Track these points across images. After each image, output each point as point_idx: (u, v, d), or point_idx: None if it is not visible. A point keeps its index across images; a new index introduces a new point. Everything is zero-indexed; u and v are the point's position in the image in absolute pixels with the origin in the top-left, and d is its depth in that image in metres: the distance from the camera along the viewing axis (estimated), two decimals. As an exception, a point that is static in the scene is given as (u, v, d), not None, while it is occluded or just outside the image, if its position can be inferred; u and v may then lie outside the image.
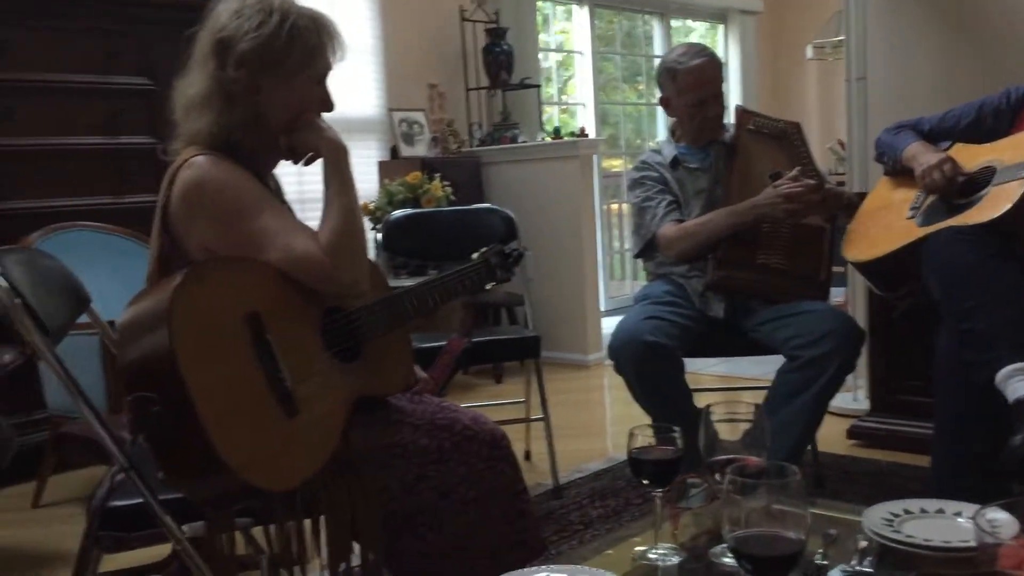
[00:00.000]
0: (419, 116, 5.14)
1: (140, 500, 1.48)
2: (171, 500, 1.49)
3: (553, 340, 4.33)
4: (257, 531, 1.81)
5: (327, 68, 1.68)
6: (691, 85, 2.72)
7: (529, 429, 3.15)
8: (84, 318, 1.88)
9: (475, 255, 1.82)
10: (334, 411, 1.53)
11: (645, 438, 1.32)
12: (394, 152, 5.00)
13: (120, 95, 3.60)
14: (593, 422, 3.93)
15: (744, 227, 2.60)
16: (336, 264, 1.53)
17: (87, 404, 1.49)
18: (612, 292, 6.46)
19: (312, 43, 1.63)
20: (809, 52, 6.46)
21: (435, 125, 5.18)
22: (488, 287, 1.86)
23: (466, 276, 1.77)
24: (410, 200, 4.35)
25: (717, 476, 1.26)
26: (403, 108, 5.07)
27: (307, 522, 1.64)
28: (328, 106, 1.69)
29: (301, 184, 4.08)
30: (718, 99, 2.77)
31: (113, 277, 2.83)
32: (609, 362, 4.68)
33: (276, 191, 1.75)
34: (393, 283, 1.98)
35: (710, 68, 2.75)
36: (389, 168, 4.82)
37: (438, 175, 4.53)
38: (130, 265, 3.21)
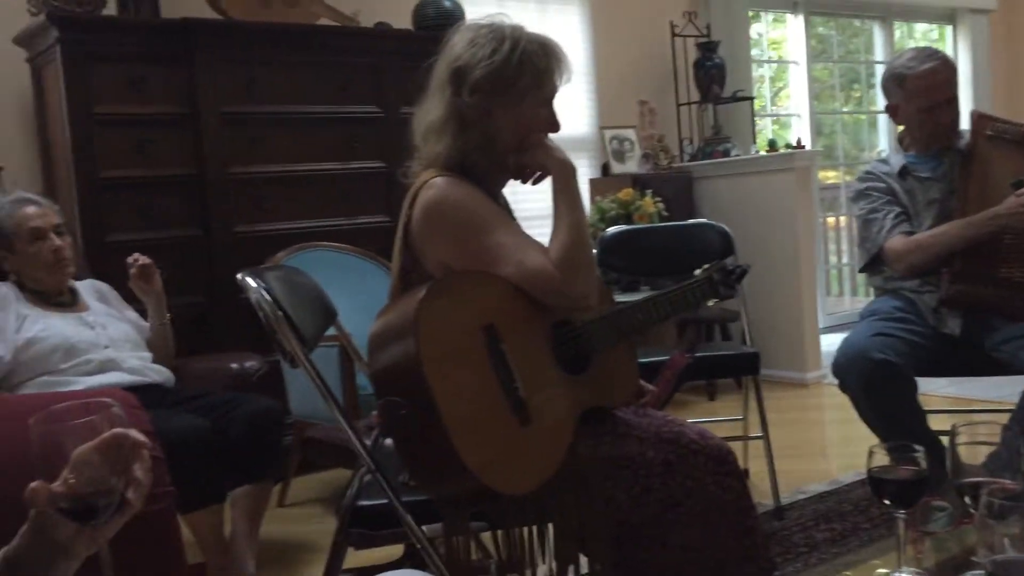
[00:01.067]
0: (629, 133, 5.17)
1: (385, 501, 1.59)
2: (412, 502, 1.59)
3: (769, 357, 4.21)
4: (486, 537, 1.90)
5: (554, 90, 1.74)
6: (921, 90, 2.58)
7: (747, 447, 3.09)
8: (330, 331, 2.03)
9: (698, 271, 1.83)
10: (563, 422, 1.58)
11: (885, 457, 1.28)
12: (605, 169, 5.06)
13: (353, 123, 3.86)
14: (813, 442, 3.80)
15: (983, 239, 2.45)
16: (567, 278, 1.58)
17: (339, 410, 1.61)
18: (829, 308, 6.22)
19: (541, 67, 1.69)
20: (1051, 50, 5.97)
21: (645, 141, 5.19)
22: (710, 303, 1.86)
23: (690, 292, 1.78)
24: (622, 217, 4.39)
25: (966, 499, 1.20)
26: (614, 126, 5.12)
27: (535, 530, 1.70)
28: (555, 127, 1.76)
29: (516, 203, 4.20)
30: (951, 104, 2.62)
31: (347, 293, 3.03)
32: (829, 380, 4.50)
33: (505, 209, 1.83)
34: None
35: (942, 71, 2.60)
36: (600, 185, 4.88)
37: (649, 191, 4.54)
38: (361, 281, 3.44)
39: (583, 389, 1.65)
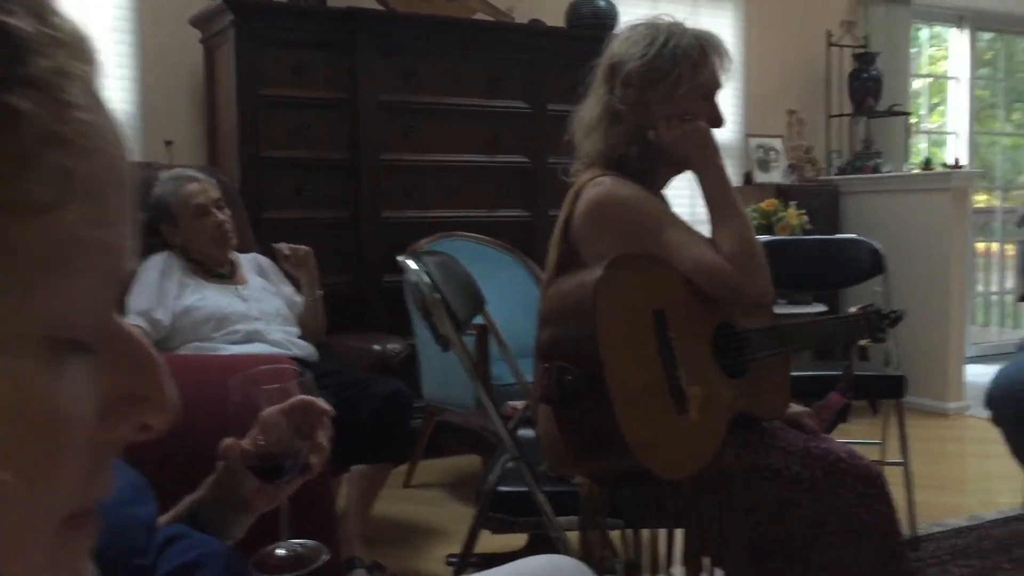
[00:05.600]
0: (776, 142, 5.06)
1: (524, 488, 1.62)
2: (551, 492, 1.61)
3: (910, 383, 4.05)
4: (615, 536, 1.90)
5: (714, 82, 1.72)
6: None
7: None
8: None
9: (854, 309, 1.86)
10: (717, 419, 1.58)
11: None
12: (748, 178, 4.97)
13: (500, 117, 3.91)
14: (952, 474, 3.64)
15: None
16: (745, 274, 1.59)
17: (487, 394, 1.65)
18: (975, 338, 5.93)
19: (695, 57, 1.68)
20: None
21: (792, 152, 5.08)
22: (862, 343, 1.87)
23: (849, 326, 1.76)
24: (763, 227, 4.30)
25: None
26: (760, 134, 5.03)
27: (664, 533, 1.70)
28: (717, 122, 1.74)
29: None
30: None
31: (484, 282, 3.08)
32: (971, 412, 4.31)
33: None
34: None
35: None
36: (742, 194, 4.73)
37: (794, 203, 4.44)
38: (498, 272, 3.49)
39: (738, 393, 1.64)
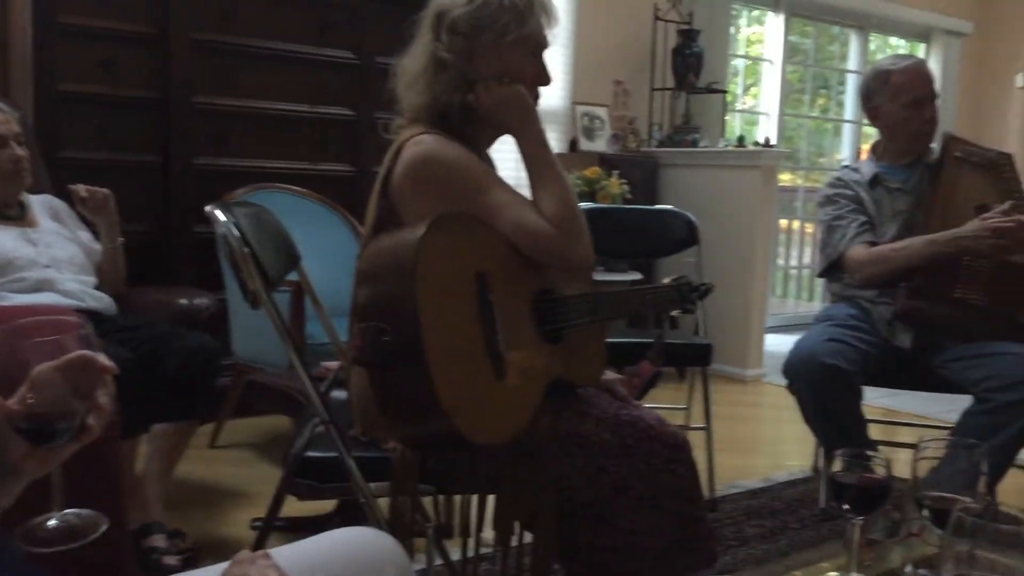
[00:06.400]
0: (601, 112, 5.14)
1: (333, 454, 1.56)
2: (361, 458, 1.56)
3: (716, 351, 4.26)
4: (427, 502, 1.88)
5: (539, 37, 1.70)
6: (906, 84, 2.64)
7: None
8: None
9: (666, 280, 1.89)
10: (534, 385, 1.57)
11: (844, 462, 1.28)
12: (573, 145, 5.03)
13: (328, 67, 3.77)
14: (749, 438, 3.85)
15: (943, 258, 2.49)
16: (569, 239, 1.58)
17: (297, 355, 1.57)
18: (773, 310, 6.30)
19: (521, 8, 1.66)
20: (1019, 81, 6.08)
21: (616, 122, 5.17)
22: (673, 313, 1.95)
23: (662, 297, 1.80)
24: (586, 195, 4.37)
25: (925, 512, 1.22)
26: (586, 102, 5.09)
27: (476, 499, 1.69)
28: (544, 79, 1.73)
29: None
30: (933, 103, 2.69)
31: (303, 238, 2.97)
32: (768, 379, 4.57)
33: (490, 167, 1.80)
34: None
35: (924, 68, 2.72)
36: (567, 161, 4.84)
37: (616, 172, 4.53)
38: (318, 228, 3.37)
39: (555, 359, 1.63)
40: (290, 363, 1.61)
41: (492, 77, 1.66)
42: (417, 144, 1.62)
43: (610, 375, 1.83)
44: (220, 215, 1.57)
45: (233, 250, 1.55)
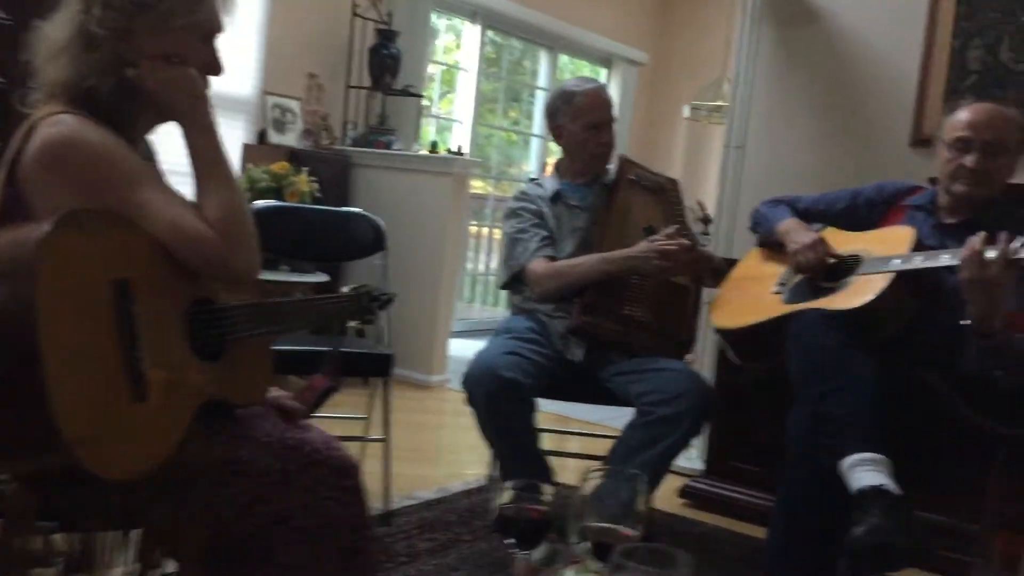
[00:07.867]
0: (294, 104, 4.94)
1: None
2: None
3: (398, 357, 4.23)
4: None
5: (214, 23, 1.53)
6: (587, 107, 2.75)
7: (366, 448, 3.02)
8: None
9: (346, 288, 1.81)
10: (182, 407, 1.38)
11: (513, 494, 1.24)
12: (262, 137, 4.78)
13: (-31, 24, 3.27)
14: (429, 447, 3.84)
15: (614, 276, 2.60)
16: (231, 246, 1.41)
17: None
18: (461, 314, 6.41)
19: None
20: (686, 112, 6.64)
21: (309, 117, 4.99)
22: (352, 324, 1.91)
23: (341, 307, 1.70)
24: (273, 190, 4.15)
25: (588, 544, 1.20)
26: (278, 93, 4.87)
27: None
28: (215, 68, 1.55)
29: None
30: (610, 127, 2.82)
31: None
32: (452, 385, 4.60)
33: (148, 158, 1.58)
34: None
35: (604, 94, 2.83)
36: (254, 153, 4.60)
37: (306, 169, 4.35)
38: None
39: (211, 378, 1.45)
40: None
41: (156, 56, 1.46)
42: (54, 125, 1.39)
43: (277, 392, 1.68)
44: None
45: None
